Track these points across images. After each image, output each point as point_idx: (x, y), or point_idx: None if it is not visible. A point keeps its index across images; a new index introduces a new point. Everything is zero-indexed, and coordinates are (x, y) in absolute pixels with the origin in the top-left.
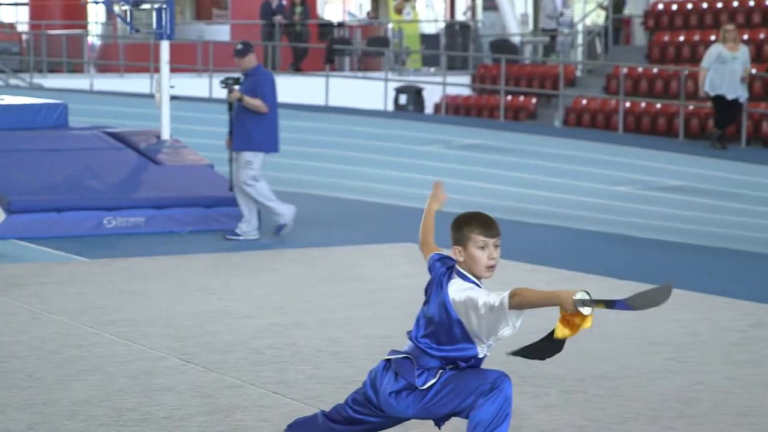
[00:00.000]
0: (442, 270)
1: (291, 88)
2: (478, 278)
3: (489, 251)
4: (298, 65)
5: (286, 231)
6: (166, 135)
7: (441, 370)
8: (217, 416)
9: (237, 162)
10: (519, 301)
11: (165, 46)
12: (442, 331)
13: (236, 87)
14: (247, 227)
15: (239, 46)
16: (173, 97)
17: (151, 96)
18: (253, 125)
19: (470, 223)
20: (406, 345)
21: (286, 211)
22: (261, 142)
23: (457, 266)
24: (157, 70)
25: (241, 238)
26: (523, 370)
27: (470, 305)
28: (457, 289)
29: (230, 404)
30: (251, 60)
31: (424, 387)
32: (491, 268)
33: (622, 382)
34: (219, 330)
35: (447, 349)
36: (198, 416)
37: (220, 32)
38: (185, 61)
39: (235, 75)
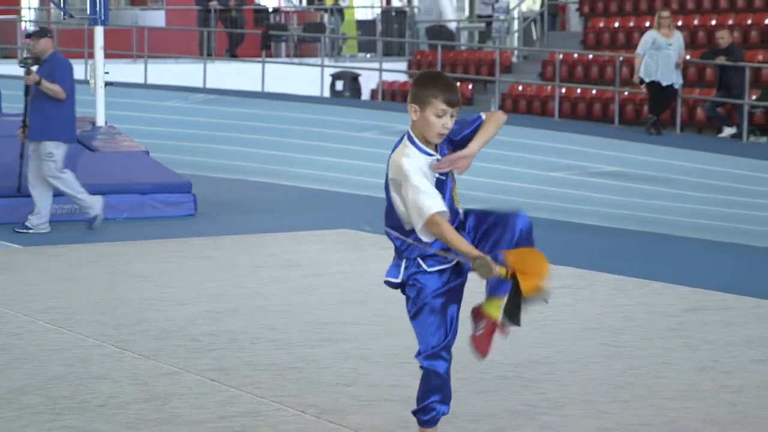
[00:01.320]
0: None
1: (227, 74)
2: (427, 143)
3: (445, 120)
4: (233, 51)
5: (98, 223)
6: (101, 121)
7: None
8: (153, 404)
9: (36, 154)
10: (434, 233)
11: (99, 32)
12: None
13: (34, 68)
14: (38, 220)
15: (34, 29)
16: (108, 83)
17: (85, 82)
18: (54, 113)
19: (436, 86)
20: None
21: (95, 203)
22: (61, 131)
23: (410, 128)
24: (91, 56)
25: (31, 231)
26: (459, 356)
27: (403, 182)
28: (399, 154)
29: (167, 392)
30: (47, 45)
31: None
32: (442, 135)
33: (557, 367)
34: (155, 317)
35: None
36: (134, 404)
37: (155, 18)
38: (120, 47)
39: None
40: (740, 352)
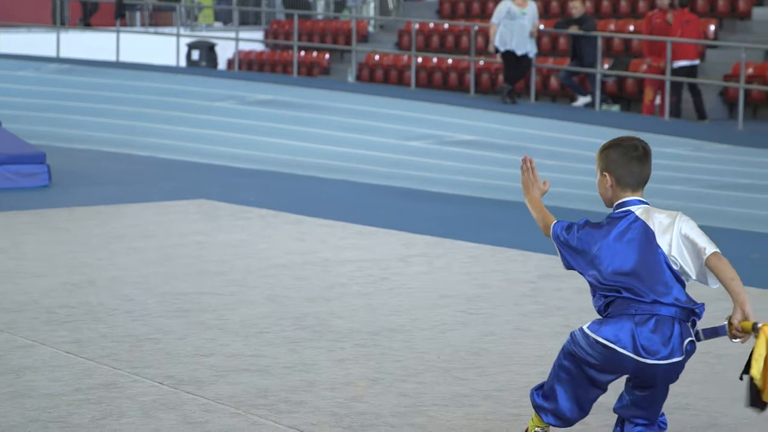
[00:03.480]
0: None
1: (80, 44)
2: None
3: None
4: (87, 21)
5: None
6: None
7: None
8: (7, 377)
9: None
10: (715, 267)
11: None
12: None
13: None
14: None
15: None
16: None
17: None
18: None
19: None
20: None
21: None
22: None
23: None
24: None
25: None
26: (316, 325)
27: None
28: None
29: (21, 365)
30: None
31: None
32: None
33: (414, 335)
34: (9, 290)
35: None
36: None
37: None
38: None
39: None
40: (592, 317)
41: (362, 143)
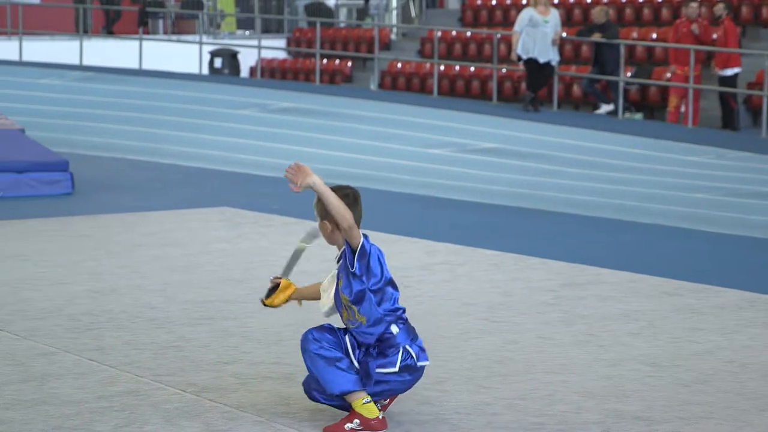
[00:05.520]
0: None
1: (103, 51)
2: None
3: None
4: (110, 28)
5: None
6: None
7: None
8: (31, 384)
9: None
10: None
11: None
12: None
13: None
14: None
15: None
16: None
17: None
18: None
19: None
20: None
21: None
22: None
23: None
24: None
25: None
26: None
27: None
28: None
29: (44, 372)
30: None
31: None
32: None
33: (437, 343)
34: (32, 297)
35: None
36: (11, 384)
37: None
38: None
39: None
40: (616, 325)
41: (384, 151)
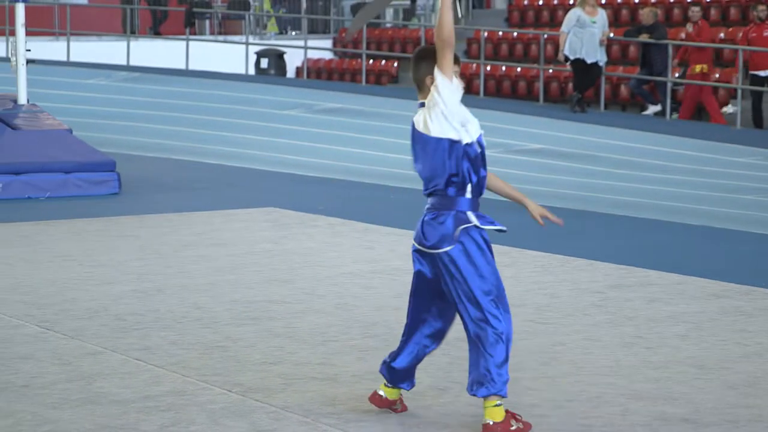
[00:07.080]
0: None
1: (150, 52)
2: None
3: None
4: (157, 29)
5: None
6: (23, 99)
7: None
8: (78, 383)
9: None
10: None
11: (21, 9)
12: None
13: None
14: None
15: None
16: (29, 61)
17: (6, 60)
18: None
19: None
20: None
21: None
22: None
23: None
24: (12, 33)
25: None
26: (384, 334)
27: None
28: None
29: (91, 371)
30: None
31: None
32: None
33: None
34: (79, 297)
35: None
36: (58, 384)
37: None
38: (42, 24)
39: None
40: (663, 327)
41: None
